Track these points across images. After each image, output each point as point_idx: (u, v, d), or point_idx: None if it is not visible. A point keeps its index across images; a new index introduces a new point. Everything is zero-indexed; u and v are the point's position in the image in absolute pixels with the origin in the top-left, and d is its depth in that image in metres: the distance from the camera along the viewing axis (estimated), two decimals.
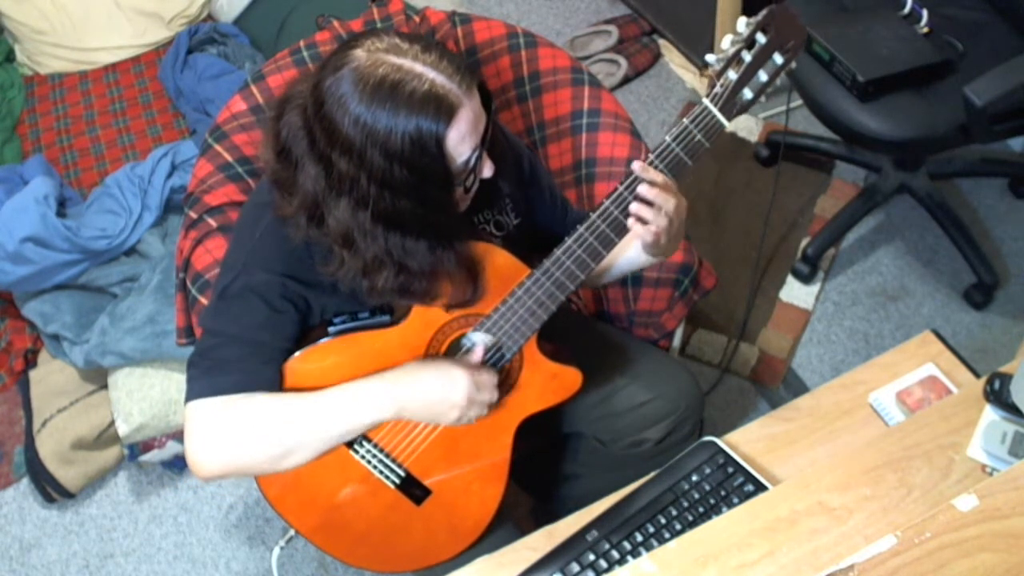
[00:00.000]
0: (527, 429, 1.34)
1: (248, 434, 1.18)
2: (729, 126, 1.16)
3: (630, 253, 1.36)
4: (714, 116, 1.14)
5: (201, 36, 2.62)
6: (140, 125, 2.56)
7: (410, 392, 1.19)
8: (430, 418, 1.23)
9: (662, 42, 2.91)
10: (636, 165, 1.14)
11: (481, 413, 1.24)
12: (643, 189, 1.15)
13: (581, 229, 1.17)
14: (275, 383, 1.20)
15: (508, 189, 1.34)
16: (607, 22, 2.93)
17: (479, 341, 1.24)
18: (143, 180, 2.22)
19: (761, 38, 1.13)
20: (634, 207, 1.16)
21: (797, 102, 2.24)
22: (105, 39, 2.73)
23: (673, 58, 2.87)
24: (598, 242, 1.18)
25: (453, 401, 1.19)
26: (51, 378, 2.15)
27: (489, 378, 1.23)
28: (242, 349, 1.19)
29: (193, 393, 1.19)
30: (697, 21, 2.74)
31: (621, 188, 1.16)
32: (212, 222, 1.49)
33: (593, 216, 1.17)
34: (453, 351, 1.26)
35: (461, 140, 1.08)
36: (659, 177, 1.15)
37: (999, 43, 2.01)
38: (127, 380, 2.01)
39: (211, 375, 1.19)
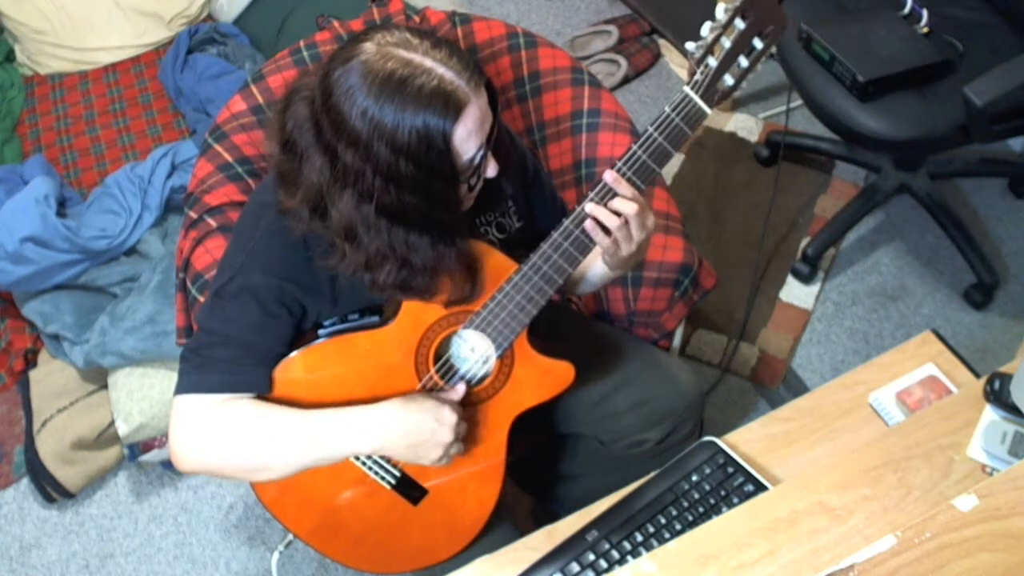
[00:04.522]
0: (525, 427, 1.34)
1: (226, 440, 1.19)
2: (711, 113, 1.16)
3: (598, 267, 1.36)
4: (695, 104, 1.14)
5: (201, 36, 2.62)
6: (140, 125, 2.56)
7: (395, 433, 1.19)
8: (411, 458, 1.23)
9: (662, 42, 2.91)
10: (608, 175, 1.15)
11: (460, 451, 1.25)
12: (616, 202, 1.15)
13: (567, 222, 1.18)
14: (263, 385, 1.21)
15: (511, 191, 1.34)
16: (607, 22, 2.94)
17: (469, 338, 1.25)
18: (143, 180, 2.22)
19: (740, 24, 1.13)
20: (602, 216, 1.16)
21: (797, 102, 2.24)
22: (105, 39, 2.73)
23: (673, 58, 2.87)
24: (585, 236, 1.18)
25: (439, 440, 1.20)
26: (51, 378, 2.15)
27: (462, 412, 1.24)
28: (232, 349, 1.20)
29: (181, 388, 1.21)
30: (697, 21, 2.73)
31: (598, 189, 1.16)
32: (212, 222, 1.49)
33: (578, 209, 1.17)
34: (443, 349, 1.26)
35: (468, 137, 1.08)
36: (629, 191, 1.15)
37: (999, 43, 2.01)
38: (127, 380, 2.01)
39: (200, 372, 1.20)
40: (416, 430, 1.19)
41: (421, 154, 1.06)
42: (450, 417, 1.20)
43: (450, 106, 1.05)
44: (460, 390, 1.24)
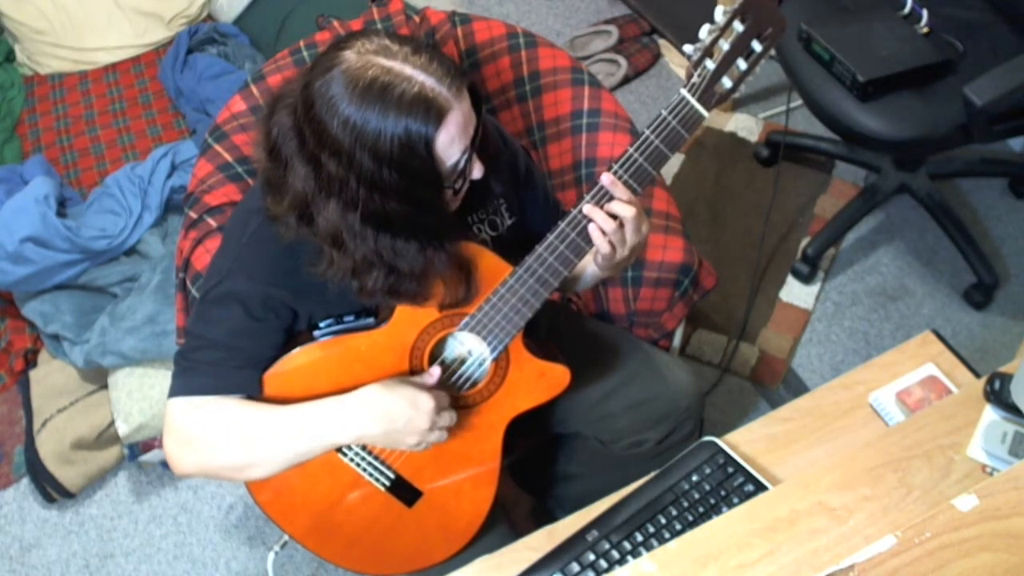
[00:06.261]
0: (525, 428, 1.34)
1: (212, 440, 1.20)
2: (709, 116, 1.15)
3: (591, 268, 1.36)
4: (692, 107, 1.14)
5: (201, 36, 2.63)
6: (140, 125, 2.56)
7: (371, 419, 1.18)
8: (389, 444, 1.22)
9: (662, 42, 2.91)
10: (605, 178, 1.15)
11: (441, 439, 1.23)
12: (613, 205, 1.16)
13: (562, 225, 1.17)
14: (250, 387, 1.21)
15: (501, 189, 1.33)
16: (607, 22, 2.94)
17: (465, 342, 1.24)
18: (143, 180, 2.22)
19: (739, 26, 1.12)
20: (598, 219, 1.16)
21: (797, 102, 2.24)
22: (105, 39, 2.73)
23: (673, 58, 2.87)
24: (580, 238, 1.18)
25: (415, 427, 1.19)
26: (51, 378, 2.15)
27: (447, 400, 1.23)
28: (217, 353, 1.20)
29: (171, 391, 1.22)
30: (697, 21, 2.73)
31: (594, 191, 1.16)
32: (212, 222, 1.49)
33: (574, 211, 1.17)
34: (438, 351, 1.26)
35: (451, 143, 1.08)
36: (625, 194, 1.15)
37: (999, 43, 2.01)
38: (127, 380, 2.01)
39: (186, 375, 1.21)
40: (392, 416, 1.18)
41: (404, 161, 1.05)
42: (427, 403, 1.18)
43: (432, 112, 1.05)
44: (435, 373, 1.23)
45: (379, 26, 1.62)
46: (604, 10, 3.03)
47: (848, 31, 1.99)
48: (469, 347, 1.26)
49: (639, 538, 1.21)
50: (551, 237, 1.18)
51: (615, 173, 1.15)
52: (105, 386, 2.10)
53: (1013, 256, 2.32)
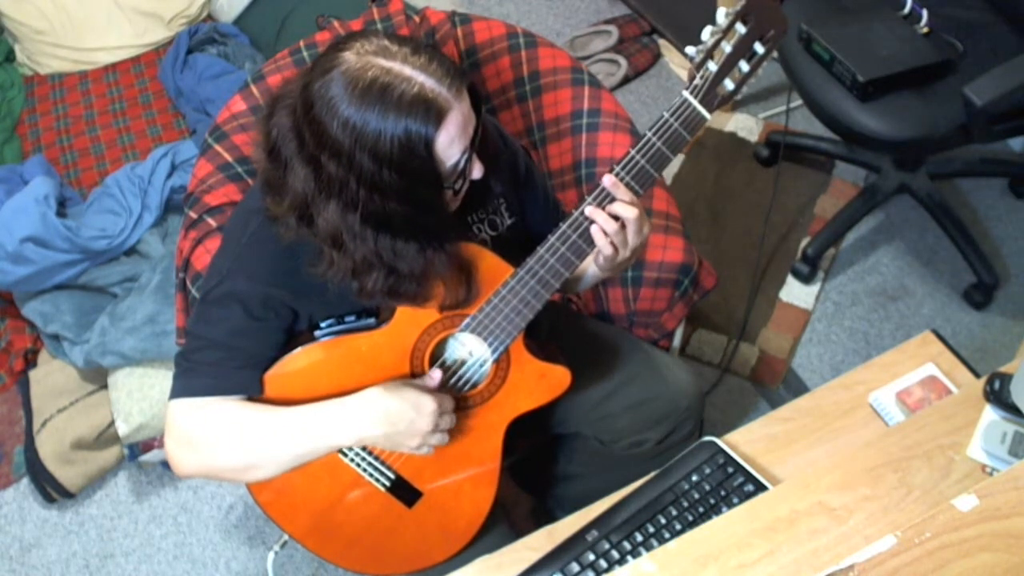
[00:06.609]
0: (525, 428, 1.34)
1: (213, 442, 1.20)
2: (711, 118, 1.15)
3: (592, 268, 1.36)
4: (695, 109, 1.14)
5: (201, 36, 2.63)
6: (140, 125, 2.56)
7: (372, 421, 1.18)
8: (390, 446, 1.22)
9: (662, 42, 2.91)
10: (607, 180, 1.15)
11: (442, 441, 1.23)
12: (615, 206, 1.16)
13: (564, 226, 1.17)
14: (251, 387, 1.21)
15: (500, 189, 1.33)
16: (607, 22, 2.94)
17: (463, 343, 1.24)
18: (143, 180, 2.22)
19: (741, 28, 1.12)
20: (600, 220, 1.16)
21: (797, 102, 2.24)
22: (105, 39, 2.73)
23: (673, 58, 2.87)
24: (582, 239, 1.18)
25: (417, 429, 1.19)
26: (51, 378, 2.15)
27: (449, 403, 1.23)
28: (217, 353, 1.20)
29: (172, 392, 1.22)
30: (698, 22, 2.73)
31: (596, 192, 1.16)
32: (212, 222, 1.49)
33: (575, 213, 1.17)
34: (439, 352, 1.26)
35: (450, 143, 1.08)
36: (627, 195, 1.15)
37: (999, 43, 2.01)
38: (127, 380, 2.02)
39: (187, 376, 1.21)
40: (393, 419, 1.18)
41: (404, 162, 1.05)
42: (428, 405, 1.19)
43: (432, 113, 1.05)
44: (436, 376, 1.23)
45: (379, 26, 1.62)
46: (604, 10, 3.03)
47: (848, 31, 1.99)
48: (470, 348, 1.26)
49: (639, 538, 1.21)
50: (552, 238, 1.18)
51: (617, 175, 1.15)
52: (105, 386, 2.10)
53: (1013, 256, 2.32)
